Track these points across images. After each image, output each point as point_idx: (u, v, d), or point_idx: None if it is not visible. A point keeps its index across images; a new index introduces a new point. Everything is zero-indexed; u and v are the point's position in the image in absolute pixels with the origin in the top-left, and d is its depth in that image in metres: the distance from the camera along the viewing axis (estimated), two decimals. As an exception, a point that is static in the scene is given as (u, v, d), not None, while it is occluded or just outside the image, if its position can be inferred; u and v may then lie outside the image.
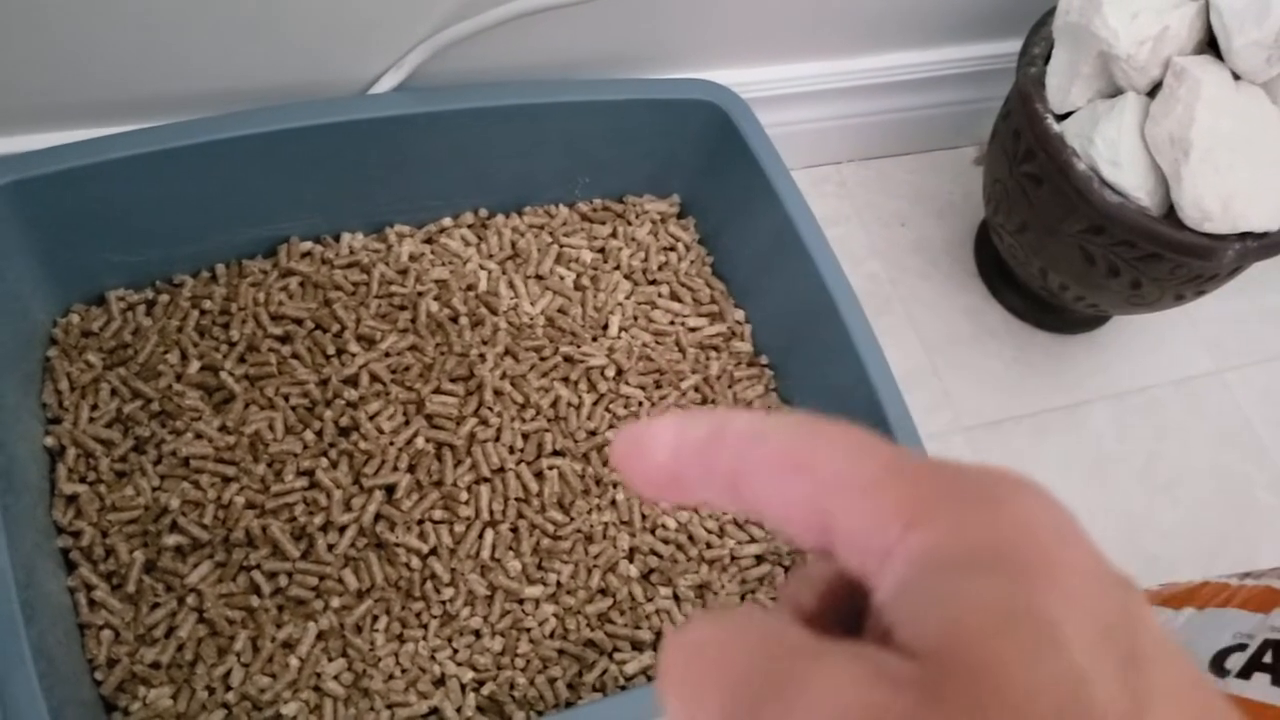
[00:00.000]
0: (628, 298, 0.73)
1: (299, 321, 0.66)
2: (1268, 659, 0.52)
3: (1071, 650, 0.14)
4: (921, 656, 0.14)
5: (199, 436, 0.61)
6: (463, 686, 0.59)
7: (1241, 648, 0.54)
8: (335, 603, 0.58)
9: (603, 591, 0.63)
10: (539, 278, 0.72)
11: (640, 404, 0.68)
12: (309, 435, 0.62)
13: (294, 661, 0.57)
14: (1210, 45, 0.70)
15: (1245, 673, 0.52)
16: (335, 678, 0.57)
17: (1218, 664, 0.54)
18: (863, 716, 0.13)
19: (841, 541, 0.17)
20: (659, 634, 0.62)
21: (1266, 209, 0.68)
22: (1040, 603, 0.14)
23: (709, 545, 0.65)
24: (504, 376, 0.66)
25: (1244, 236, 0.68)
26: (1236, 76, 0.69)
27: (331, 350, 0.65)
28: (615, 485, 0.65)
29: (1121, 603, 0.15)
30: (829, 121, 0.87)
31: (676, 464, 0.18)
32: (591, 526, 0.64)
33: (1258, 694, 0.50)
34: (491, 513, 0.62)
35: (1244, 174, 0.67)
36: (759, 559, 0.66)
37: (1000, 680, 0.13)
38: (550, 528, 0.63)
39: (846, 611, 0.18)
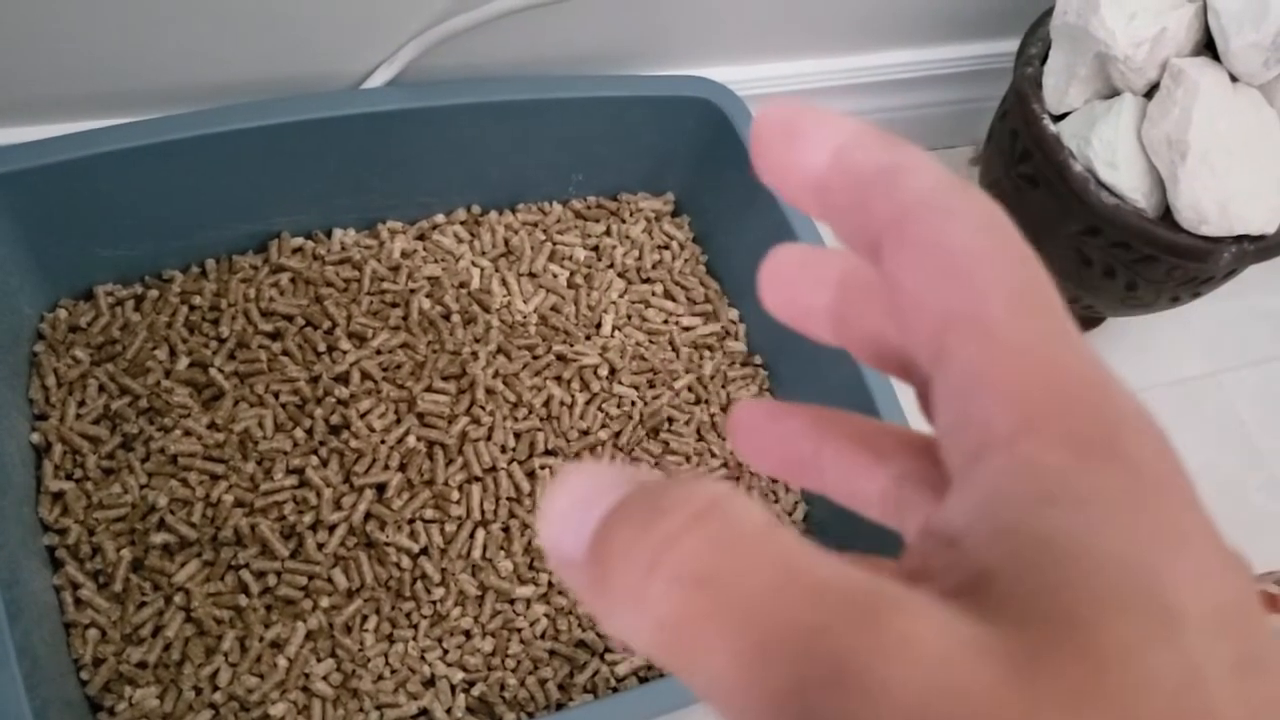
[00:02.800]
0: (621, 296, 0.72)
1: (289, 318, 0.65)
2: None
3: (1189, 644, 0.12)
4: (1011, 623, 0.12)
5: (187, 434, 0.60)
6: (453, 687, 0.58)
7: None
8: (324, 602, 0.58)
9: (594, 592, 0.62)
10: (532, 275, 0.72)
11: (633, 403, 0.68)
12: (299, 433, 0.62)
13: (282, 661, 0.56)
14: (1208, 47, 0.69)
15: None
16: (324, 678, 0.57)
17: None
18: (944, 700, 0.11)
19: (946, 380, 0.14)
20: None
21: (1263, 212, 0.68)
22: (1164, 579, 0.12)
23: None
24: (496, 375, 0.66)
25: (1240, 239, 0.68)
26: (1234, 79, 0.68)
27: (322, 347, 0.64)
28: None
29: (1241, 592, 0.13)
30: (825, 120, 0.86)
31: (829, 173, 0.15)
32: (583, 527, 0.63)
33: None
34: (483, 512, 0.62)
35: (1241, 176, 0.67)
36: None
37: (1109, 668, 0.11)
38: (542, 528, 0.62)
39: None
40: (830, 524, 0.68)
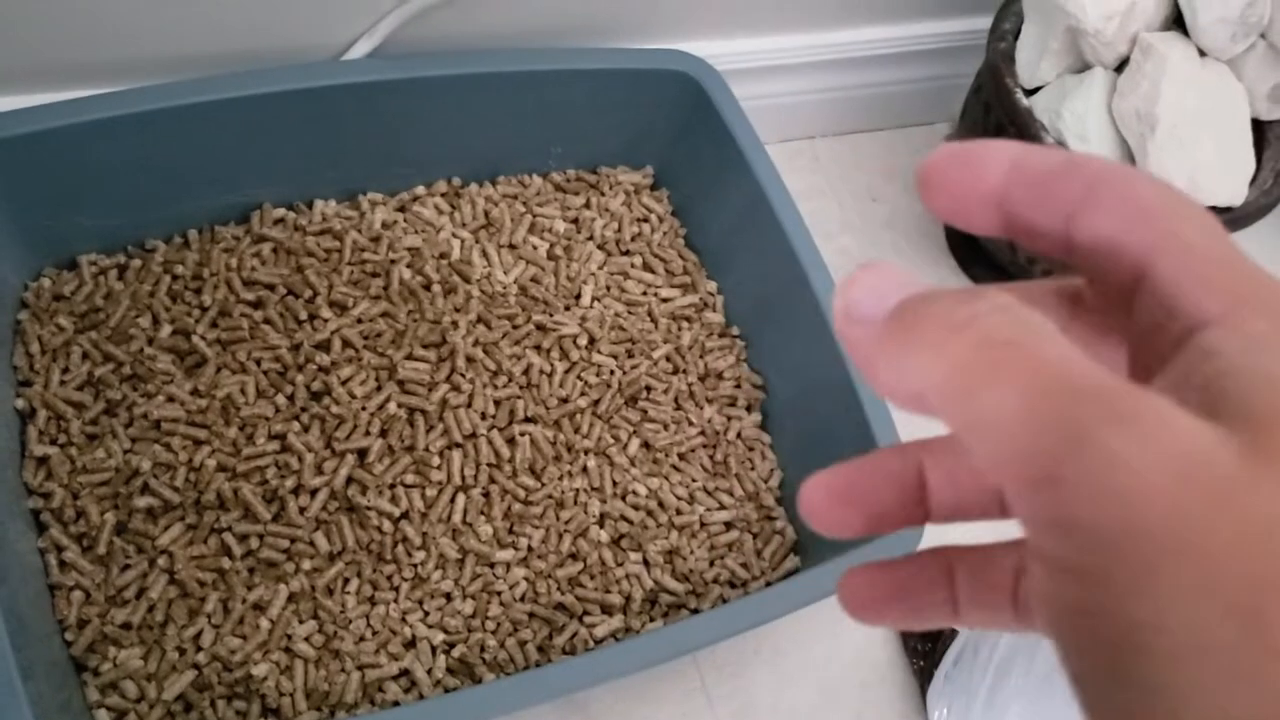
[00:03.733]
0: (600, 268, 0.73)
1: (271, 287, 0.66)
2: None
3: None
4: (1243, 425, 0.15)
5: (170, 400, 0.61)
6: (433, 648, 0.59)
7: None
8: (306, 565, 0.59)
9: (573, 556, 0.63)
10: (512, 247, 0.73)
11: (612, 372, 0.69)
12: (281, 399, 0.62)
13: (265, 623, 0.57)
14: (1177, 22, 0.71)
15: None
16: (306, 639, 0.58)
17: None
18: (1190, 458, 0.14)
19: (1151, 295, 0.17)
20: (628, 598, 0.63)
21: (1231, 184, 0.69)
22: None
23: (679, 511, 0.66)
24: (476, 344, 0.67)
25: (1209, 211, 0.69)
26: (1202, 53, 0.70)
27: (304, 315, 0.65)
28: (586, 452, 0.66)
29: None
30: (803, 95, 0.87)
31: (1009, 184, 0.18)
32: (563, 492, 0.64)
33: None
34: (463, 478, 0.63)
35: (1209, 149, 0.68)
36: (728, 525, 0.67)
37: None
38: (521, 493, 0.63)
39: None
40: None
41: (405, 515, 0.61)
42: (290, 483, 0.60)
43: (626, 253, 0.75)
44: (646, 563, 0.64)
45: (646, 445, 0.68)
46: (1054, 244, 0.18)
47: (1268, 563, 0.14)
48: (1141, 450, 0.14)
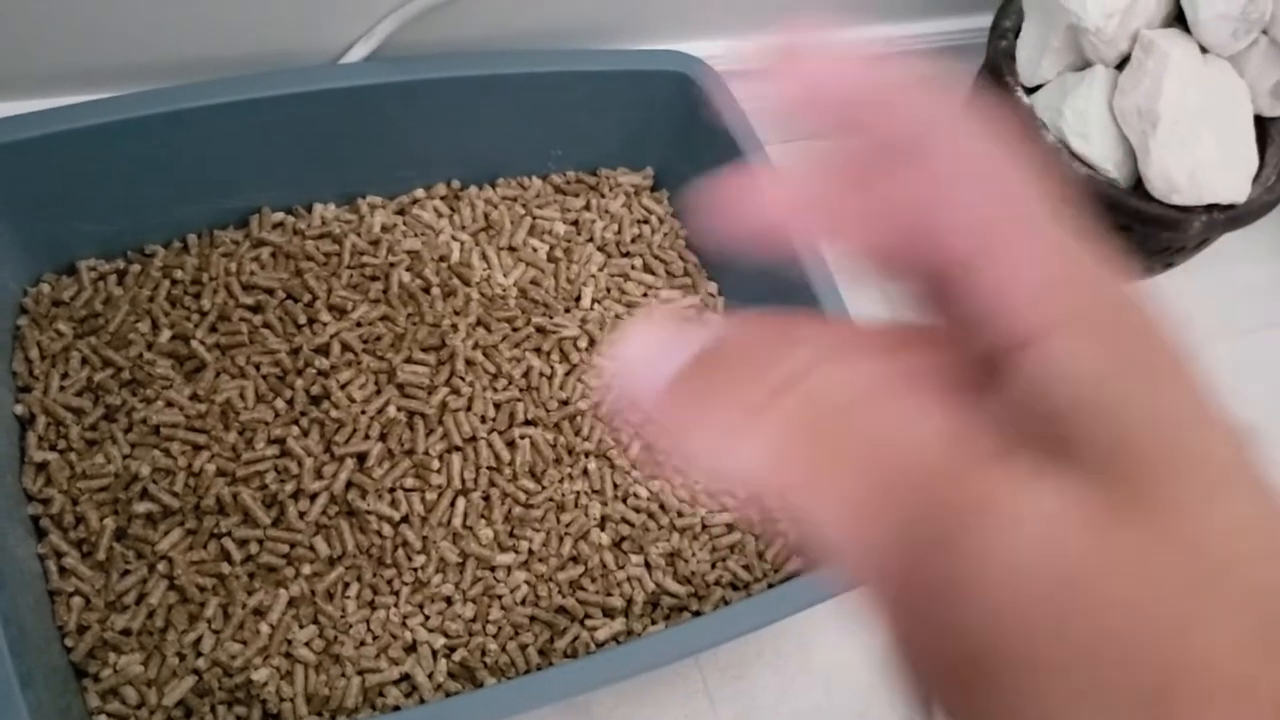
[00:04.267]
0: (601, 270, 0.73)
1: (270, 291, 0.66)
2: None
3: (1238, 495, 0.14)
4: (1095, 483, 0.13)
5: (170, 405, 0.61)
6: (434, 653, 0.59)
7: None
8: (306, 570, 0.59)
9: (574, 559, 0.63)
10: (511, 249, 0.72)
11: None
12: (280, 404, 0.62)
13: (265, 628, 0.57)
14: (1178, 19, 0.70)
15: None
16: (306, 644, 0.58)
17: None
18: (1039, 553, 0.13)
19: (992, 277, 0.15)
20: (630, 601, 0.62)
21: (1233, 181, 0.69)
22: (1206, 442, 0.14)
23: (680, 514, 0.65)
24: (476, 346, 0.67)
25: (1210, 208, 0.69)
26: (1204, 50, 0.69)
27: (303, 320, 0.65)
28: (587, 455, 0.66)
29: (1244, 449, 0.15)
30: (803, 96, 0.87)
31: (863, 83, 0.16)
32: (563, 495, 0.64)
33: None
34: (463, 481, 0.63)
35: (1211, 146, 0.68)
36: (730, 528, 0.66)
37: (1181, 518, 0.13)
38: (522, 496, 0.63)
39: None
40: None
41: (405, 519, 0.61)
42: (290, 487, 0.60)
43: (627, 254, 0.75)
44: (648, 565, 0.64)
45: (648, 447, 0.67)
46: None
47: (1159, 644, 0.13)
48: (1012, 540, 0.13)
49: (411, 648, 0.59)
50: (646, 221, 0.77)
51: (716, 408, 0.14)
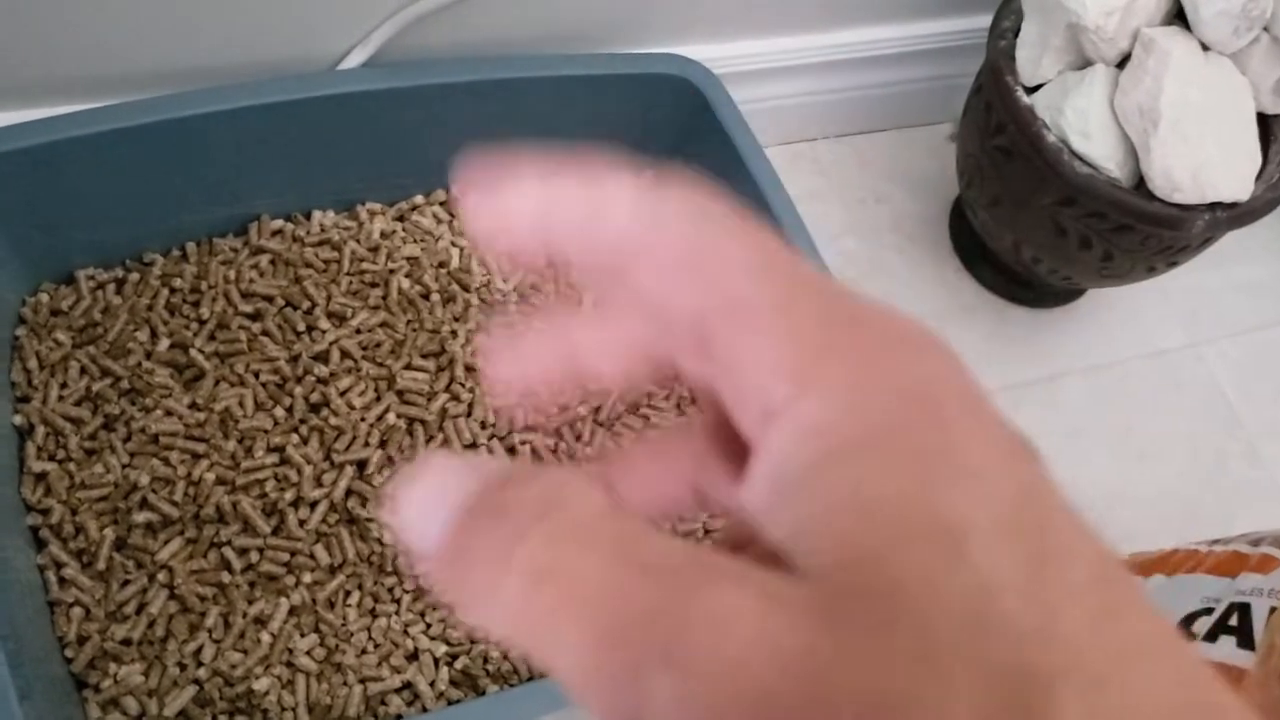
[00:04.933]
0: (601, 274, 0.73)
1: (269, 299, 0.66)
2: (1233, 621, 0.52)
3: (976, 558, 0.12)
4: (818, 575, 0.13)
5: (169, 414, 0.61)
6: (436, 661, 0.59)
7: (1208, 611, 0.54)
8: (307, 578, 0.58)
9: (576, 565, 0.63)
10: (511, 255, 0.72)
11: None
12: (279, 411, 0.62)
13: (266, 637, 0.57)
14: (1178, 16, 0.70)
15: (1212, 635, 0.52)
16: (308, 653, 0.57)
17: (1185, 627, 0.54)
18: (761, 659, 0.12)
19: (721, 374, 0.15)
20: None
21: (1235, 179, 0.68)
22: (942, 500, 0.13)
23: (681, 518, 0.65)
24: (476, 353, 0.66)
25: (1213, 207, 0.69)
26: (1205, 47, 0.69)
27: (302, 327, 0.65)
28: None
29: (1027, 483, 0.14)
30: (803, 97, 0.87)
31: (543, 226, 0.16)
32: (564, 501, 0.64)
33: (1224, 656, 0.51)
34: (464, 488, 0.62)
35: (1212, 144, 0.67)
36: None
37: (904, 603, 0.12)
38: (523, 502, 0.63)
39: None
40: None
41: (406, 526, 0.61)
42: (290, 495, 0.60)
43: (627, 258, 0.74)
44: (650, 571, 0.64)
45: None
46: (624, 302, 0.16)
47: None
48: (700, 680, 0.12)
49: (413, 656, 0.59)
50: (646, 225, 0.76)
51: (470, 565, 0.14)
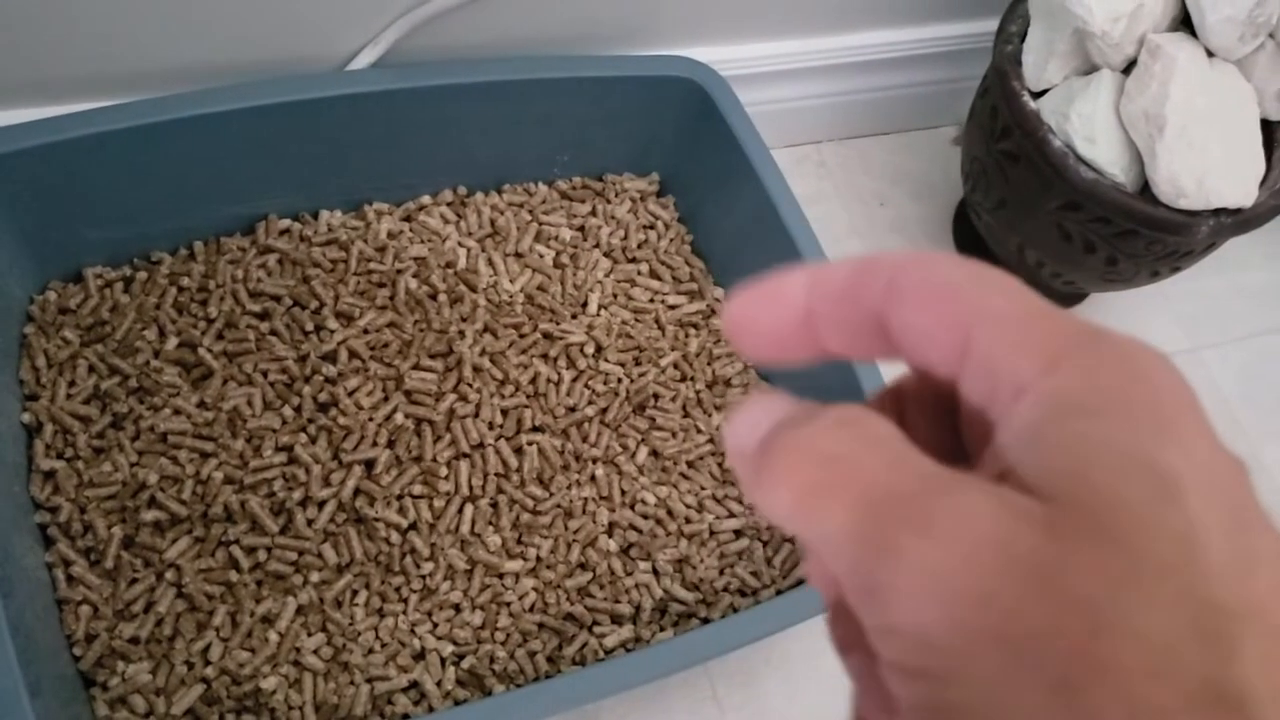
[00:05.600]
0: (607, 275, 0.73)
1: (277, 298, 0.66)
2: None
3: (1189, 505, 0.15)
4: (1049, 497, 0.15)
5: (177, 412, 0.61)
6: (443, 660, 0.59)
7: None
8: (314, 577, 0.59)
9: (582, 566, 0.63)
10: (518, 255, 0.72)
11: (619, 380, 0.68)
12: (288, 411, 0.62)
13: (273, 636, 0.57)
14: (1184, 23, 0.70)
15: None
16: (315, 652, 0.57)
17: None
18: (994, 547, 0.15)
19: (975, 370, 0.17)
20: (638, 608, 0.62)
21: (1240, 185, 0.69)
22: (1164, 456, 0.15)
23: (688, 520, 0.65)
24: (483, 353, 0.67)
25: (1218, 213, 0.69)
26: (1210, 54, 0.69)
27: (310, 327, 0.65)
28: (594, 461, 0.65)
29: (1233, 471, 0.16)
30: (809, 100, 0.87)
31: (813, 308, 0.19)
32: (571, 502, 0.64)
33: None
34: (471, 488, 0.63)
35: (1218, 150, 0.68)
36: (738, 534, 0.66)
37: (1121, 526, 0.14)
38: (530, 503, 0.63)
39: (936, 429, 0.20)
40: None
41: (413, 526, 0.61)
42: (298, 494, 0.60)
43: (633, 260, 0.75)
44: (656, 572, 0.64)
45: (655, 453, 0.67)
46: (879, 348, 0.19)
47: (1077, 638, 0.14)
48: (941, 550, 0.15)
49: (420, 655, 0.59)
50: (653, 227, 0.76)
51: (776, 455, 0.17)
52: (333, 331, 0.65)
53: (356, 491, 0.61)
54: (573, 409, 0.67)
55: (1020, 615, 0.14)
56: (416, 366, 0.65)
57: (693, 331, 0.73)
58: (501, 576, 0.61)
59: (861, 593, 0.16)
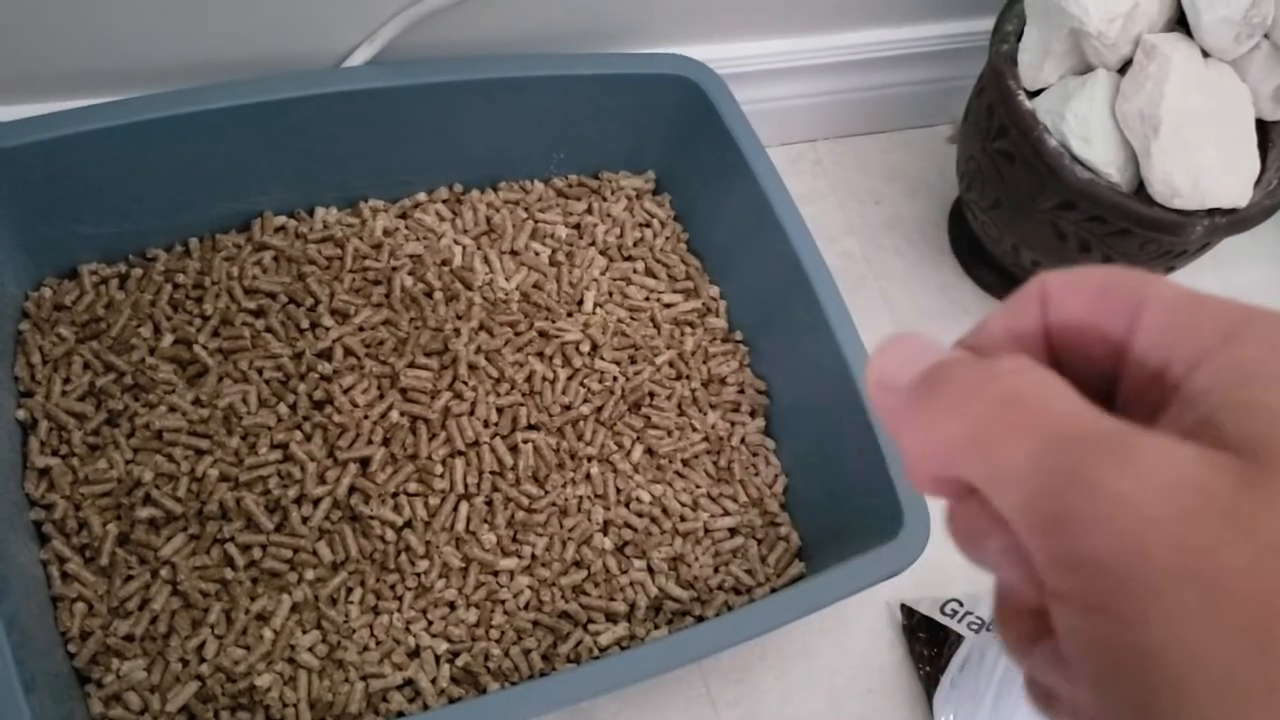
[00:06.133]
0: (603, 273, 0.73)
1: (273, 295, 0.66)
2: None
3: None
4: (1243, 452, 0.15)
5: (172, 409, 0.61)
6: (437, 658, 0.59)
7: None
8: (309, 575, 0.59)
9: (577, 564, 0.63)
10: (514, 253, 0.72)
11: (615, 379, 0.69)
12: (283, 408, 0.62)
13: (268, 633, 0.57)
14: (1180, 23, 0.70)
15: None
16: (310, 649, 0.57)
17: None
18: (1193, 489, 0.15)
19: (1151, 344, 0.18)
20: (633, 605, 0.62)
21: (1235, 185, 0.69)
22: None
23: (683, 518, 0.65)
24: (479, 351, 0.67)
25: (1212, 212, 0.69)
26: (1206, 54, 0.69)
27: (305, 324, 0.65)
28: (590, 459, 0.66)
29: None
30: (805, 98, 0.87)
31: (978, 345, 0.20)
32: (566, 500, 0.64)
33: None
34: (466, 486, 0.63)
35: (1213, 151, 0.68)
36: (732, 532, 0.66)
37: None
38: (525, 501, 0.63)
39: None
40: (809, 499, 0.69)
41: (408, 524, 0.61)
42: (293, 492, 0.60)
43: (629, 258, 0.75)
44: (651, 570, 0.64)
45: (650, 452, 0.67)
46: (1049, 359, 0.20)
47: (1274, 582, 0.14)
48: (1137, 484, 0.15)
49: (415, 653, 0.59)
50: (649, 225, 0.76)
51: (942, 390, 0.18)
52: (328, 329, 0.65)
53: (351, 489, 0.61)
54: (568, 407, 0.67)
55: (1216, 555, 0.15)
56: (412, 364, 0.65)
57: (688, 329, 0.73)
58: (496, 574, 0.61)
59: (1043, 525, 0.16)
